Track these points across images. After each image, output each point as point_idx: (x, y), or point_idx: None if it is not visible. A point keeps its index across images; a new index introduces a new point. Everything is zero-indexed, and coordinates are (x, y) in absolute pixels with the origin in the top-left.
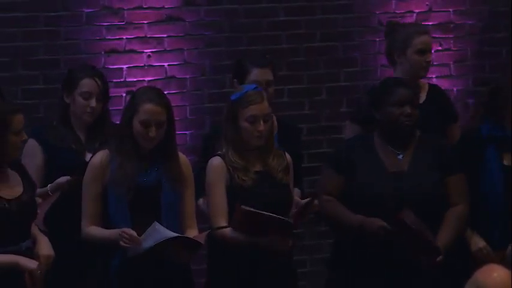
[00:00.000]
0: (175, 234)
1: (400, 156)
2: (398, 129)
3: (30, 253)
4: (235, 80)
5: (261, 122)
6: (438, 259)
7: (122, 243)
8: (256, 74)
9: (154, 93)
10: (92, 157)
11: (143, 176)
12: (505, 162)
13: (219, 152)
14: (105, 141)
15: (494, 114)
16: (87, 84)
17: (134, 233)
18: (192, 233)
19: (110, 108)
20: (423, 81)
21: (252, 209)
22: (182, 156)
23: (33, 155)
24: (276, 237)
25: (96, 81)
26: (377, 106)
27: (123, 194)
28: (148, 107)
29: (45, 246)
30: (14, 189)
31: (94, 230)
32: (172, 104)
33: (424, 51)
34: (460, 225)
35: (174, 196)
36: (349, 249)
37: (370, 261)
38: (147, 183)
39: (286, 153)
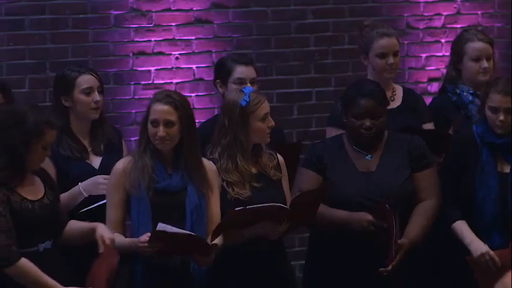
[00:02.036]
0: (189, 232)
1: (368, 157)
2: (359, 140)
3: (48, 254)
4: (218, 80)
5: (270, 118)
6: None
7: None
8: (240, 71)
9: (164, 93)
10: (116, 163)
11: (167, 180)
12: (499, 169)
13: (211, 157)
14: (109, 143)
15: (480, 113)
16: (85, 79)
17: (146, 238)
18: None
19: (138, 111)
20: (396, 85)
21: (244, 208)
22: (208, 162)
23: (44, 166)
24: (266, 224)
25: (92, 75)
26: (344, 113)
27: (143, 196)
28: (156, 107)
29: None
30: (37, 191)
31: (116, 238)
32: (200, 106)
33: (384, 54)
34: (428, 220)
35: (199, 200)
36: (326, 244)
37: (348, 254)
38: (171, 187)
39: (278, 155)
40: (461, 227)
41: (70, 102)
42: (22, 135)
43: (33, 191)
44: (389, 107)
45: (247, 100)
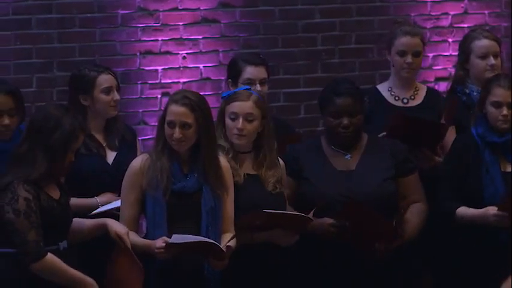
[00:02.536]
0: (203, 239)
1: (348, 157)
2: (337, 139)
3: (67, 253)
4: (229, 80)
5: (240, 120)
6: (395, 242)
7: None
8: (249, 71)
9: (181, 94)
10: (132, 161)
11: (183, 181)
12: (502, 168)
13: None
14: (122, 139)
15: (481, 111)
16: (105, 79)
17: (165, 240)
18: (228, 236)
19: (146, 110)
20: (421, 84)
21: (273, 211)
22: (222, 160)
23: None
24: (279, 231)
25: (111, 74)
26: (321, 111)
27: (159, 197)
28: (172, 108)
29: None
30: (56, 192)
31: (131, 237)
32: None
33: (404, 52)
34: (421, 220)
35: (214, 201)
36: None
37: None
38: (187, 188)
39: (280, 160)
40: (465, 210)
41: (89, 101)
42: (61, 140)
43: (54, 191)
44: (407, 105)
45: (227, 94)
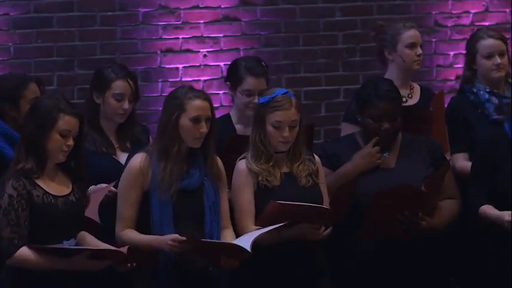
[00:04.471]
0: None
1: (386, 155)
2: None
3: None
4: (227, 82)
5: (286, 129)
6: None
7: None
8: (250, 83)
9: (196, 90)
10: (130, 161)
11: (186, 178)
12: None
13: (244, 155)
14: (136, 141)
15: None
16: (120, 86)
17: (182, 239)
18: (228, 233)
19: None
20: (414, 83)
21: (286, 202)
22: (217, 157)
23: None
24: (305, 226)
25: (128, 83)
26: (359, 112)
27: (168, 199)
28: (197, 103)
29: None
30: (62, 188)
31: (131, 233)
32: (227, 104)
33: (414, 44)
34: (451, 214)
35: (215, 195)
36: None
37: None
38: (191, 185)
39: (315, 156)
40: (488, 209)
41: (100, 100)
42: (35, 123)
43: (58, 187)
44: (406, 104)
45: (266, 100)
